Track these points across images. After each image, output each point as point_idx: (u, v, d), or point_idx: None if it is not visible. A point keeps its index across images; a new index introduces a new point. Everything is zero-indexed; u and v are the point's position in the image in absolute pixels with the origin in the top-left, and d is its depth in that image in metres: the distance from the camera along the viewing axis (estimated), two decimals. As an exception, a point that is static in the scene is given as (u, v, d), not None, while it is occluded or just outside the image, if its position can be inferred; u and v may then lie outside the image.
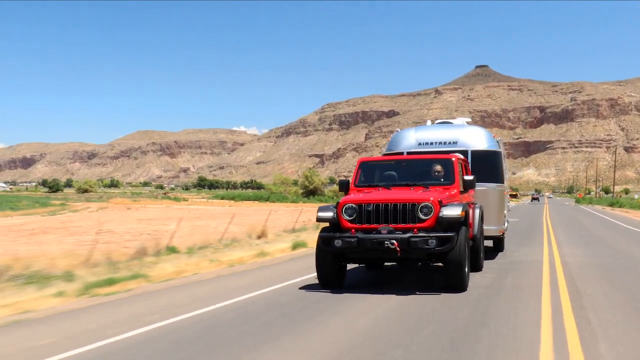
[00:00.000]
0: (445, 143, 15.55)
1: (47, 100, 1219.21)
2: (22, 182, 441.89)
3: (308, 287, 11.21)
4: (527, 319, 7.95)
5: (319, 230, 11.41)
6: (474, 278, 11.80)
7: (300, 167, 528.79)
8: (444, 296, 9.85)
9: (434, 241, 9.87)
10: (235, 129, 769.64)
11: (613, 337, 7.07)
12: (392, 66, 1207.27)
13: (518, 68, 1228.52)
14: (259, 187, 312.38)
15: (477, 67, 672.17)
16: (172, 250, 16.86)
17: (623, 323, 7.73)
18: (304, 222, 29.63)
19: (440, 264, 11.53)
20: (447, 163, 11.99)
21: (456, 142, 15.52)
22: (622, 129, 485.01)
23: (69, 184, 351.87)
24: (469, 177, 12.01)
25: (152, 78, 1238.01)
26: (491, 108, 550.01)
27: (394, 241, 9.87)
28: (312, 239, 17.93)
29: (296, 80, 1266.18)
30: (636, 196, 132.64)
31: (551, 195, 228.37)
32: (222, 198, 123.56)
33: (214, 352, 6.58)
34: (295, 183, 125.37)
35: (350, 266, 13.13)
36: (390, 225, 10.22)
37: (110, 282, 11.40)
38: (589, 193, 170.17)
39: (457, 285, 10.33)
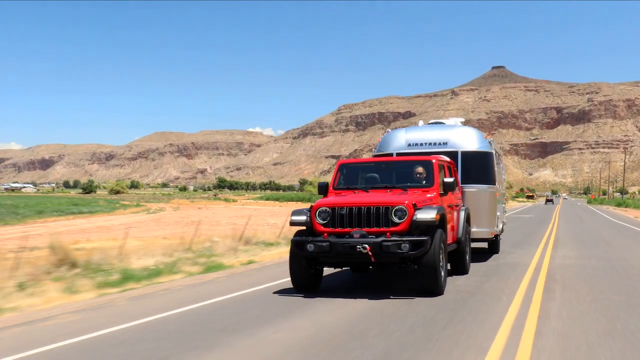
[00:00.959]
0: (435, 144, 15.39)
1: (64, 102, 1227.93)
2: (41, 184, 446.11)
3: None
4: (485, 327, 7.60)
5: None
6: (456, 281, 11.85)
7: (317, 168, 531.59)
8: (417, 300, 9.67)
9: (407, 245, 9.68)
10: (250, 130, 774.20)
11: (568, 350, 6.61)
12: (408, 67, 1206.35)
13: (535, 69, 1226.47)
14: (277, 188, 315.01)
15: (493, 67, 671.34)
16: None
17: (584, 335, 7.25)
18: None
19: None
20: (427, 165, 11.79)
21: (446, 142, 15.33)
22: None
23: (90, 185, 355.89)
24: (449, 179, 11.62)
25: (169, 80, 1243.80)
26: (508, 109, 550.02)
27: (366, 245, 9.68)
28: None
29: (311, 81, 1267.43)
30: None
31: (567, 197, 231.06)
32: (267, 199, 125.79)
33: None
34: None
35: (337, 270, 13.36)
36: (364, 229, 10.05)
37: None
38: (604, 194, 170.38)
39: (432, 289, 10.14)
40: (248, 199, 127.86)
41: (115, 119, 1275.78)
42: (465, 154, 15.13)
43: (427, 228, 10.10)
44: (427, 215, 9.99)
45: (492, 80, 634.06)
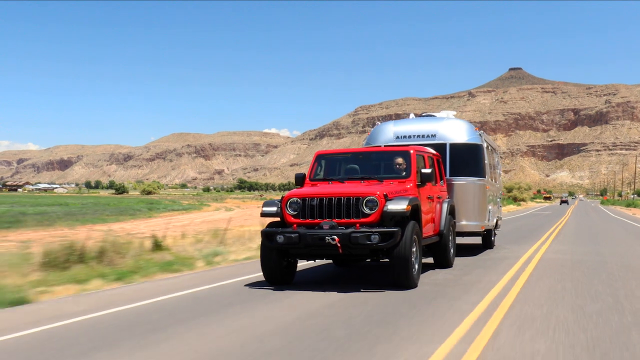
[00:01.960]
0: (423, 136, 15.22)
1: (82, 103, 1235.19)
2: (61, 184, 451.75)
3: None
4: (445, 323, 7.19)
5: None
6: (436, 274, 11.73)
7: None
8: (386, 293, 9.43)
9: (377, 236, 9.42)
10: (266, 130, 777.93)
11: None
12: (425, 68, 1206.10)
13: (552, 70, 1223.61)
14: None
15: (510, 69, 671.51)
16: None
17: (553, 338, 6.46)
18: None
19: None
20: (405, 156, 11.57)
21: (435, 135, 15.16)
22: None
23: (111, 186, 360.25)
24: (427, 170, 11.33)
25: (187, 80, 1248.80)
26: (525, 110, 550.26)
27: (335, 236, 9.46)
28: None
29: (327, 83, 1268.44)
30: None
31: (583, 198, 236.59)
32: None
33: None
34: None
35: (320, 262, 13.44)
36: (334, 220, 9.84)
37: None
38: (619, 195, 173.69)
39: (403, 282, 9.87)
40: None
41: (133, 120, 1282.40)
42: (454, 146, 15.02)
43: (399, 219, 9.88)
44: (398, 206, 9.74)
45: (509, 81, 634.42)
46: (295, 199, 10.24)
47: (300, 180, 11.82)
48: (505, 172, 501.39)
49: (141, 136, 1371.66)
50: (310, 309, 8.25)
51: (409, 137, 15.31)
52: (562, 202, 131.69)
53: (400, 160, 11.52)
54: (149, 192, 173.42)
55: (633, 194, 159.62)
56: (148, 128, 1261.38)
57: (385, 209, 9.74)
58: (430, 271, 12.23)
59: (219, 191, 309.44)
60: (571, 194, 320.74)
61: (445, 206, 12.97)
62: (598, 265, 13.29)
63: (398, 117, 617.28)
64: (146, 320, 7.48)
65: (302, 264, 13.24)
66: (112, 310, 8.07)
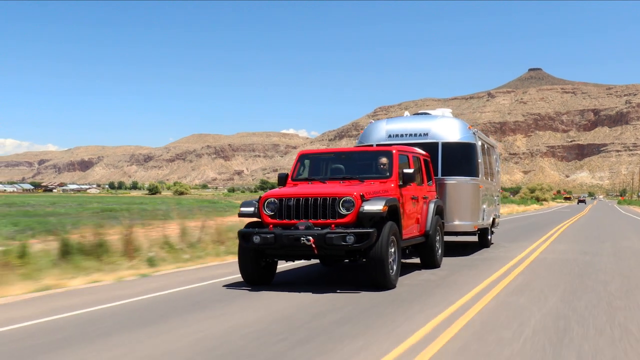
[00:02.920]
0: (415, 135, 15.11)
1: (101, 104, 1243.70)
2: (83, 184, 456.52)
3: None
4: (407, 326, 7.01)
5: None
6: (419, 275, 11.64)
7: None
8: (361, 294, 9.38)
9: (352, 237, 9.36)
10: (284, 131, 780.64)
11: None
12: (443, 68, 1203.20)
13: (572, 70, 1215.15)
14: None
15: (530, 69, 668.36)
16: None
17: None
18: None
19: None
20: (388, 156, 11.48)
21: (427, 133, 15.05)
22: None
23: (135, 186, 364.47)
24: (409, 170, 11.24)
25: (206, 81, 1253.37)
26: (544, 111, 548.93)
27: (310, 237, 9.42)
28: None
29: (347, 83, 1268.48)
30: None
31: (602, 199, 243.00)
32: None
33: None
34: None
35: (308, 262, 13.44)
36: (310, 220, 9.77)
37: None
38: (638, 196, 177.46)
39: (380, 283, 9.81)
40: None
41: (152, 120, 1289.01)
42: (447, 145, 14.92)
43: (375, 220, 9.82)
44: (374, 206, 9.67)
45: (528, 82, 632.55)
46: (272, 199, 10.21)
47: (282, 180, 11.85)
48: (525, 172, 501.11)
49: (161, 137, 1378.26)
50: (276, 310, 8.23)
51: (401, 135, 15.28)
52: (580, 201, 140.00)
53: (384, 160, 11.44)
54: (182, 193, 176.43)
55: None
56: (168, 129, 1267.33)
57: (361, 209, 9.68)
58: (416, 272, 12.20)
59: (243, 192, 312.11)
60: (591, 194, 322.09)
61: (432, 206, 12.78)
62: (587, 267, 13.11)
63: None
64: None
65: (291, 264, 13.34)
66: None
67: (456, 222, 14.96)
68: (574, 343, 6.33)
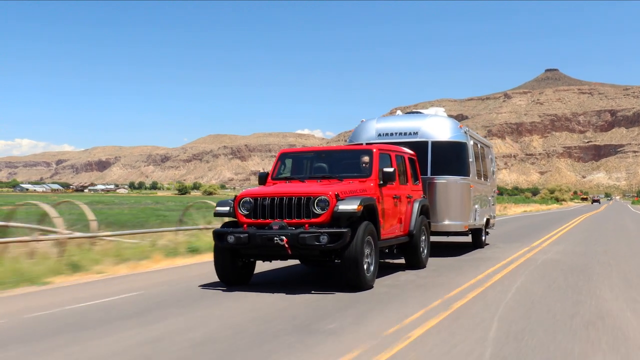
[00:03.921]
0: (405, 134, 15.05)
1: (117, 104, 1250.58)
2: (101, 184, 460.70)
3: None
4: (366, 332, 6.78)
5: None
6: (400, 276, 11.51)
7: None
8: (334, 296, 9.22)
9: (325, 237, 9.28)
10: (300, 131, 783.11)
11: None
12: (460, 69, 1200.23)
13: (589, 71, 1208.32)
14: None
15: (546, 70, 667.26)
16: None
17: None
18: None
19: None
20: (368, 154, 11.37)
21: (417, 132, 14.96)
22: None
23: (154, 186, 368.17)
24: (389, 169, 11.05)
25: (222, 82, 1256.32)
26: (561, 112, 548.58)
27: (283, 237, 9.34)
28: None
29: (363, 83, 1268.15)
30: None
31: (618, 199, 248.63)
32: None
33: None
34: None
35: (296, 262, 13.24)
36: (285, 220, 9.68)
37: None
38: None
39: (354, 283, 9.68)
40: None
41: (169, 121, 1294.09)
42: (436, 144, 14.84)
43: (355, 219, 9.74)
44: (348, 206, 9.57)
45: (545, 83, 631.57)
46: (247, 198, 10.13)
47: (262, 178, 11.77)
48: (541, 173, 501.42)
49: (178, 137, 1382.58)
50: (242, 310, 8.13)
51: (391, 134, 15.21)
52: (594, 201, 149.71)
53: (366, 158, 11.32)
54: (210, 193, 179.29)
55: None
56: (185, 129, 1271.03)
57: (335, 208, 9.56)
58: (400, 272, 12.11)
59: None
60: (607, 195, 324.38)
61: (416, 206, 12.64)
62: (580, 270, 12.58)
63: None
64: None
65: (280, 263, 13.19)
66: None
67: (446, 222, 14.87)
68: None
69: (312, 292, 9.67)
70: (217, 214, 10.62)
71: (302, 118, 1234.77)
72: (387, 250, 12.48)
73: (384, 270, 12.37)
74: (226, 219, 10.90)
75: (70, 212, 17.67)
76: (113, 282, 11.16)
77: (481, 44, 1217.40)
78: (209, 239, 14.11)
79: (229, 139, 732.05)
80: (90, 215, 14.32)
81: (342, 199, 9.70)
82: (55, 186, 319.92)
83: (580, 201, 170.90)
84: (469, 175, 15.43)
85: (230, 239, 9.76)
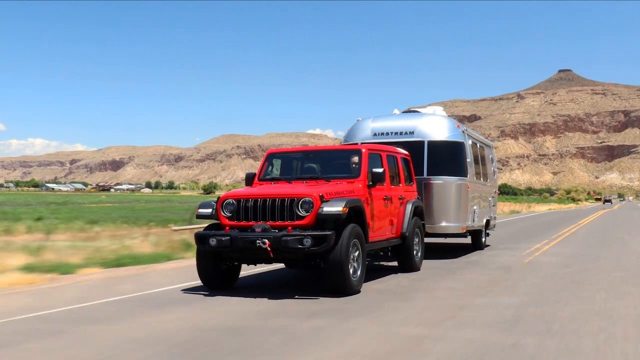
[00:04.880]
0: (401, 133, 14.77)
1: (129, 104, 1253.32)
2: (116, 184, 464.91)
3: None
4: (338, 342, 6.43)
5: None
6: (392, 280, 11.21)
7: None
8: (318, 301, 8.94)
9: (309, 240, 8.99)
10: (311, 131, 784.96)
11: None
12: (473, 69, 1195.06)
13: (602, 72, 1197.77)
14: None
15: (560, 71, 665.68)
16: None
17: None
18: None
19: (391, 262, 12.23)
20: (357, 154, 11.08)
21: (413, 132, 14.67)
22: None
23: (171, 186, 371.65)
24: (378, 170, 10.69)
25: (235, 82, 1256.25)
26: (574, 112, 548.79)
27: (266, 240, 9.07)
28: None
29: (375, 83, 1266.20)
30: None
31: (631, 199, 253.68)
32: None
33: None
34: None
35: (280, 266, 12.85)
36: (269, 222, 9.41)
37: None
38: None
39: (339, 289, 9.39)
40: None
41: (182, 121, 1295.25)
42: (433, 144, 14.57)
43: (335, 222, 9.39)
44: (333, 208, 9.27)
45: (558, 83, 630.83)
46: (230, 200, 9.90)
47: (249, 179, 11.54)
48: (554, 173, 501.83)
49: (191, 137, 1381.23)
50: (215, 316, 7.89)
51: (387, 134, 14.96)
52: (606, 201, 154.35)
53: (356, 159, 11.05)
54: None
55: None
56: (198, 129, 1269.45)
57: (320, 210, 9.29)
58: (391, 275, 11.84)
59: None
60: (620, 195, 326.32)
61: (409, 207, 12.34)
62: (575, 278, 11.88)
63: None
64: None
65: (271, 266, 12.86)
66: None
67: (443, 224, 14.56)
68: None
69: (296, 297, 9.39)
70: (200, 216, 10.47)
71: (313, 118, 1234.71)
72: (382, 253, 12.51)
73: (376, 273, 12.20)
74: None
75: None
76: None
77: (494, 44, 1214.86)
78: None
79: (242, 139, 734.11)
80: None
81: (327, 201, 9.44)
82: (79, 185, 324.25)
83: (595, 201, 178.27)
84: (466, 176, 15.16)
85: (212, 241, 9.54)
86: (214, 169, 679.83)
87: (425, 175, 14.32)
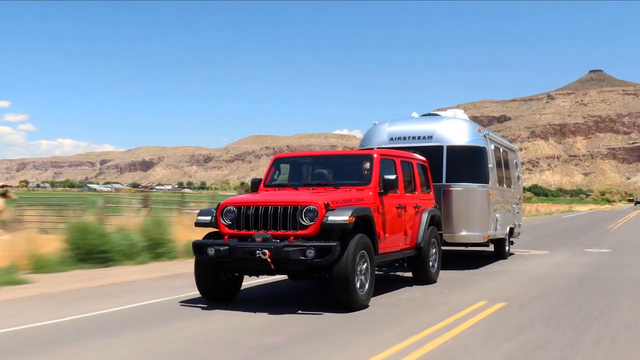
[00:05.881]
0: (419, 138, 14.24)
1: (158, 105, 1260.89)
2: (145, 184, 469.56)
3: None
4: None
5: None
6: (404, 293, 10.80)
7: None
8: (320, 317, 8.53)
9: (312, 251, 8.50)
10: (338, 132, 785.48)
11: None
12: (502, 70, 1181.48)
13: (634, 72, 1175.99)
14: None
15: (590, 71, 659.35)
16: None
17: None
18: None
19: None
20: (369, 160, 10.55)
21: (431, 136, 14.17)
22: None
23: (203, 187, 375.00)
24: (390, 177, 10.20)
25: (263, 82, 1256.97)
26: (605, 113, 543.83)
27: (266, 251, 8.61)
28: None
29: (403, 84, 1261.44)
30: None
31: None
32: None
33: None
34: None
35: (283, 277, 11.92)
36: (270, 232, 8.94)
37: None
38: None
39: (344, 303, 8.87)
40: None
41: (211, 122, 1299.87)
42: (452, 149, 14.08)
43: (341, 232, 8.88)
44: (338, 217, 8.77)
45: (589, 84, 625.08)
46: (230, 207, 9.47)
47: (255, 185, 11.02)
48: (585, 174, 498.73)
49: (220, 138, 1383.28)
50: (207, 331, 7.73)
51: (404, 138, 14.51)
52: (637, 202, 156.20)
53: (367, 165, 10.53)
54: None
55: None
56: (227, 130, 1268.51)
57: (324, 219, 8.80)
58: (405, 288, 11.42)
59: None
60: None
61: (425, 216, 11.79)
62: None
63: (475, 119, 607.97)
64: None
65: (276, 277, 12.18)
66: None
67: (463, 233, 14.06)
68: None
69: (299, 312, 8.95)
70: (198, 224, 10.01)
71: (340, 118, 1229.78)
72: (397, 265, 12.13)
73: (390, 284, 11.83)
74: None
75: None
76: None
77: (525, 44, 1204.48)
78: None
79: (270, 140, 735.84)
80: None
81: (333, 209, 8.94)
82: (118, 185, 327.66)
83: (627, 202, 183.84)
84: (488, 182, 14.62)
85: (210, 251, 9.10)
86: (243, 169, 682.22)
87: (444, 182, 13.88)
